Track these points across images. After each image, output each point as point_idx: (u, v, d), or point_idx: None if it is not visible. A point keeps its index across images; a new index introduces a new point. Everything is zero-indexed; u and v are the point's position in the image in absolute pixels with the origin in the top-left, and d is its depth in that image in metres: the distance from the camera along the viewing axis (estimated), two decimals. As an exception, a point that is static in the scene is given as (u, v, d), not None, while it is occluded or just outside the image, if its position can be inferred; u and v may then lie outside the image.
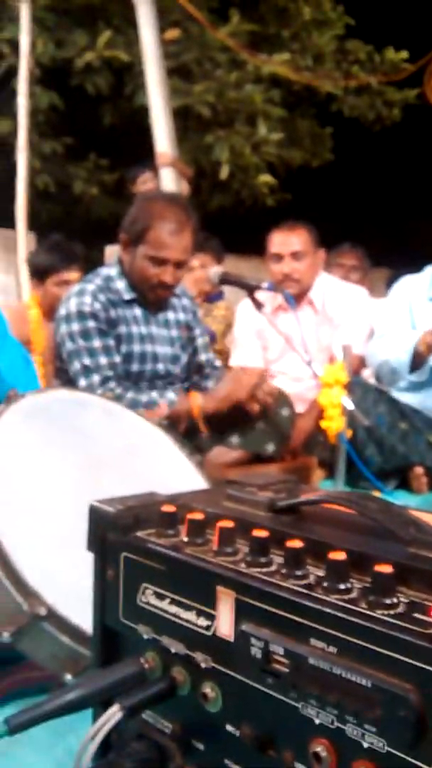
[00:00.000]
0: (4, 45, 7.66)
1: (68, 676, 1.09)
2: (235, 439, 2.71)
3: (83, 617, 1.06)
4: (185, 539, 0.77)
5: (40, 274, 3.63)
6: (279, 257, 3.28)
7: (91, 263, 3.66)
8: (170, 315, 2.69)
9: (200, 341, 2.80)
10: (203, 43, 8.06)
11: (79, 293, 2.52)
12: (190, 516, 0.79)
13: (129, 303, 2.56)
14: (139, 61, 6.31)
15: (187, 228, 2.51)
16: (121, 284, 2.56)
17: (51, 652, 1.11)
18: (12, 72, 6.99)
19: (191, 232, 2.53)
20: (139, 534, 0.81)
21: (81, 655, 1.09)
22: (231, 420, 2.64)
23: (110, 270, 2.60)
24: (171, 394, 2.52)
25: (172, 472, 1.47)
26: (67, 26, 7.97)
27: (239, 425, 2.68)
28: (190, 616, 0.73)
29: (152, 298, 2.56)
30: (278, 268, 3.27)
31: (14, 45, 6.83)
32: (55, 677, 1.14)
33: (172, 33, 7.19)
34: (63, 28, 7.94)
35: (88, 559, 0.86)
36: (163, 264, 2.49)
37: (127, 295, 2.55)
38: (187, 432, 2.56)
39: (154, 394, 2.48)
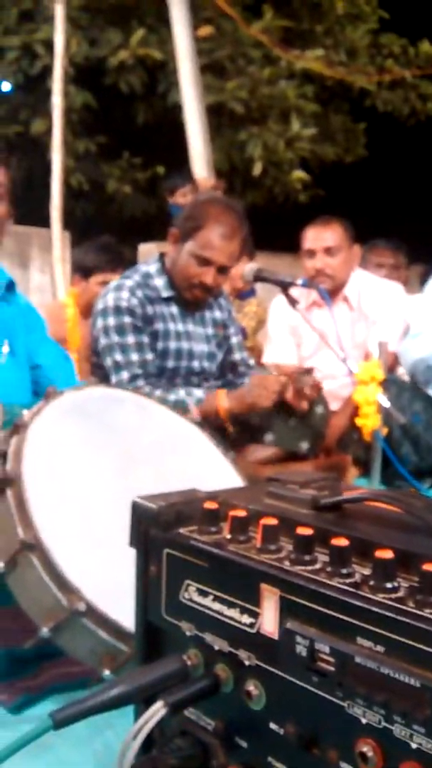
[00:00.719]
0: (39, 45, 7.74)
1: (106, 672, 1.09)
2: (269, 437, 2.70)
3: (121, 613, 1.07)
4: (228, 536, 0.77)
5: (84, 271, 3.67)
6: (312, 253, 3.25)
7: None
8: (207, 313, 2.69)
9: (235, 340, 2.79)
10: (236, 39, 8.06)
11: (117, 288, 2.53)
12: (232, 513, 0.78)
13: (166, 300, 2.56)
14: (173, 58, 6.34)
15: (237, 235, 2.51)
16: (159, 282, 2.56)
17: (89, 647, 1.11)
18: (47, 72, 7.05)
19: (240, 240, 2.54)
20: (182, 531, 0.80)
21: (119, 650, 1.09)
22: (261, 422, 2.64)
23: (149, 267, 2.61)
24: (199, 392, 2.51)
25: (208, 468, 1.47)
26: (101, 25, 8.02)
27: (269, 426, 2.66)
28: (234, 613, 0.73)
29: (189, 297, 2.56)
30: (311, 264, 3.24)
31: (49, 45, 6.89)
32: (93, 673, 1.14)
33: (205, 30, 7.20)
34: (96, 27, 8.00)
35: (126, 555, 0.86)
36: (206, 265, 2.49)
37: (165, 293, 2.55)
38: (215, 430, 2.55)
39: (182, 393, 2.48)
